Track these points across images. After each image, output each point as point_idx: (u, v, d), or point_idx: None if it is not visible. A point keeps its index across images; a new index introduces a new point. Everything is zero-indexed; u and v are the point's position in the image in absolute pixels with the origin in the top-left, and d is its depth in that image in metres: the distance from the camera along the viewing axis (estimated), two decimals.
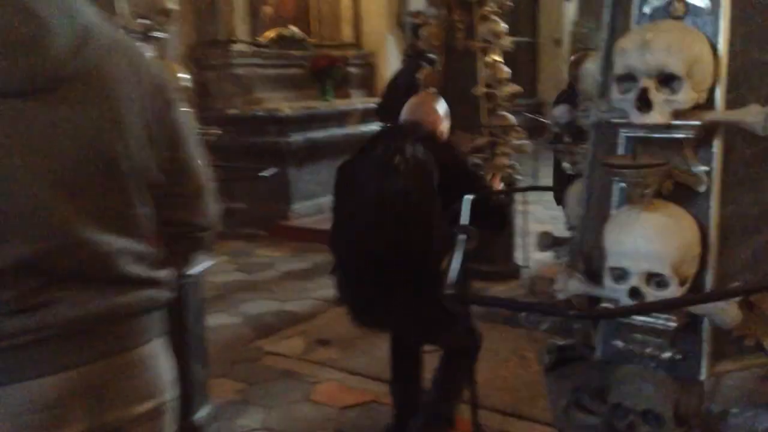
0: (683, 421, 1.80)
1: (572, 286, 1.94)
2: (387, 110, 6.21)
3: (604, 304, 1.88)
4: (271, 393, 4.40)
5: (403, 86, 5.98)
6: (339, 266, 3.29)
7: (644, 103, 1.72)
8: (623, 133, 1.89)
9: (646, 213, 1.74)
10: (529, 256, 6.70)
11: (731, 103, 1.81)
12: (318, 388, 4.41)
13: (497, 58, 5.71)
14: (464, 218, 2.53)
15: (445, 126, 3.58)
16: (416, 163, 2.96)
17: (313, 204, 8.35)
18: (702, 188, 1.81)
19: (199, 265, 3.63)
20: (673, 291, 1.73)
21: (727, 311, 1.73)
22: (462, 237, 2.29)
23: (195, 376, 3.68)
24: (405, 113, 3.57)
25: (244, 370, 4.77)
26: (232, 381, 4.61)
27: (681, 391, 1.82)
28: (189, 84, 3.61)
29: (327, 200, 8.86)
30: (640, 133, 1.82)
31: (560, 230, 2.58)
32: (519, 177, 5.97)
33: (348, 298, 3.31)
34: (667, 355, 1.82)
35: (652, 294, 1.75)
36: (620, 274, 1.80)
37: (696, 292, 1.81)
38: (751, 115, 1.69)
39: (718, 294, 1.73)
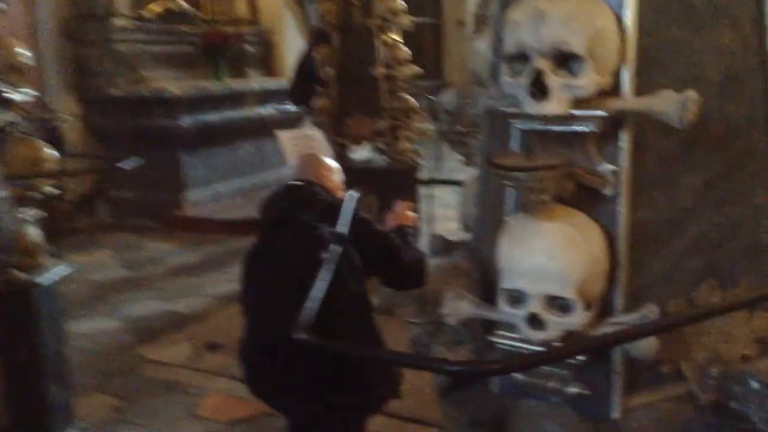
0: None
1: (463, 309, 1.62)
2: (299, 97, 5.85)
3: (503, 334, 1.57)
4: (150, 409, 3.95)
5: (309, 69, 5.61)
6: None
7: (539, 89, 1.40)
8: (516, 125, 1.57)
9: (545, 223, 1.43)
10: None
11: (641, 89, 1.52)
12: (204, 401, 3.99)
13: (396, 38, 5.38)
14: (342, 221, 2.17)
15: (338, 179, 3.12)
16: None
17: (209, 192, 7.83)
18: (609, 191, 1.52)
19: (52, 273, 3.16)
20: (579, 317, 1.44)
21: (649, 339, 1.45)
22: (333, 249, 1.93)
23: (52, 397, 3.21)
24: (296, 171, 3.04)
25: (122, 382, 4.28)
26: (107, 396, 4.13)
27: None
28: (28, 62, 3.07)
29: (224, 187, 8.48)
30: (536, 126, 1.51)
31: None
32: (422, 162, 5.69)
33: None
34: (573, 389, 1.53)
35: (554, 321, 1.45)
36: (516, 297, 1.49)
37: (604, 313, 1.52)
38: (664, 103, 1.39)
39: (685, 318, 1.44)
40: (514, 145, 1.60)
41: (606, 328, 1.48)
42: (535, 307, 1.43)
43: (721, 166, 1.67)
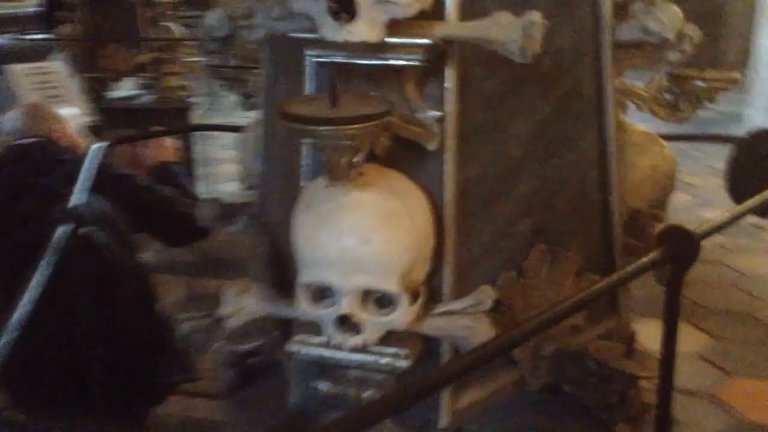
0: None
1: (248, 307, 1.21)
2: (44, 22, 4.87)
3: (304, 340, 1.17)
4: None
5: None
6: None
7: (342, 5, 0.99)
8: (310, 57, 1.15)
9: (356, 194, 1.05)
10: (216, 189, 5.90)
11: (465, 10, 1.18)
12: None
13: None
14: (80, 187, 1.62)
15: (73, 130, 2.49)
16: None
17: None
18: (433, 145, 1.17)
19: None
20: (404, 313, 1.09)
21: (478, 329, 1.15)
22: (63, 229, 1.40)
23: None
24: (21, 129, 2.35)
25: None
26: None
27: None
28: None
29: None
30: (338, 57, 1.10)
31: None
32: (194, 100, 5.06)
33: None
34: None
35: (371, 322, 1.09)
36: (321, 292, 1.10)
37: (433, 297, 1.19)
38: (503, 29, 1.06)
39: None
40: (310, 84, 1.19)
41: (438, 321, 1.15)
42: (346, 306, 1.06)
43: (549, 108, 1.40)
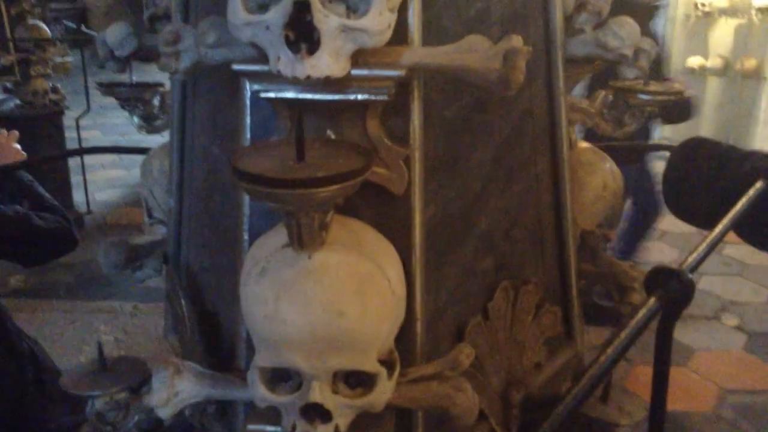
0: None
1: (184, 391, 1.00)
2: None
3: (253, 428, 0.98)
4: None
5: None
6: None
7: (301, 32, 0.81)
8: (254, 91, 0.95)
9: (324, 257, 0.87)
10: (92, 197, 5.44)
11: (428, 32, 1.02)
12: None
13: None
14: None
15: None
16: None
17: None
18: (401, 189, 1.01)
19: None
20: (382, 391, 0.93)
21: (459, 397, 1.00)
22: None
23: None
24: None
25: None
26: None
27: None
28: None
29: None
30: (290, 93, 0.91)
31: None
32: (65, 104, 4.60)
33: None
34: None
35: (345, 406, 0.92)
36: (284, 377, 0.92)
37: (402, 358, 1.03)
38: (481, 57, 0.91)
39: None
40: (251, 119, 0.99)
41: (414, 390, 1.00)
42: (317, 393, 0.88)
43: (507, 132, 1.28)
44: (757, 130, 5.80)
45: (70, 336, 3.69)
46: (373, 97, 0.91)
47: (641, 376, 2.98)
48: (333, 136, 0.93)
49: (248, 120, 1.01)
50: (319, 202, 0.76)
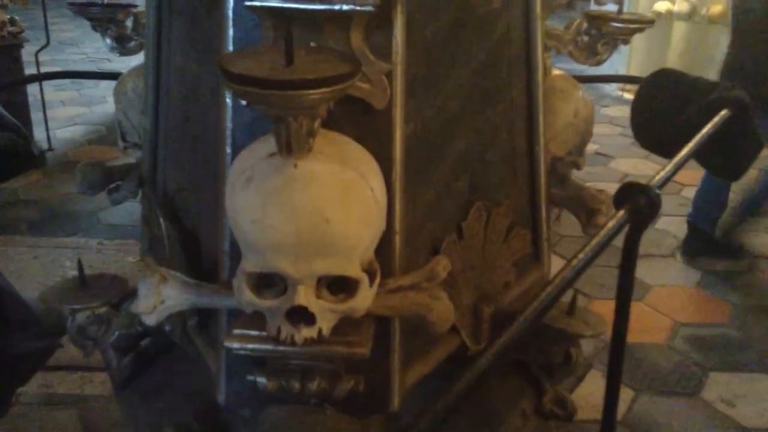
0: None
1: (170, 299, 1.02)
2: None
3: (238, 331, 1.01)
4: None
5: None
6: None
7: None
8: (242, 2, 0.94)
9: (309, 165, 0.89)
10: (53, 135, 5.32)
11: None
12: None
13: None
14: None
15: None
16: None
17: None
18: (383, 103, 1.03)
19: None
20: (364, 297, 0.96)
21: (436, 306, 1.04)
22: None
23: None
24: None
25: None
26: None
27: None
28: None
29: None
30: (274, 2, 0.91)
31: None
32: (22, 34, 4.44)
33: None
34: (344, 387, 1.08)
35: (328, 310, 0.95)
36: (269, 281, 0.95)
37: (386, 268, 1.06)
38: None
39: None
40: (234, 31, 0.99)
41: (392, 299, 1.04)
42: (302, 296, 0.91)
43: (484, 56, 1.30)
44: None
45: (35, 271, 3.66)
46: (358, 8, 0.92)
47: (600, 308, 3.10)
48: None
49: (231, 32, 1.01)
50: (309, 104, 0.78)
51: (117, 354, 1.50)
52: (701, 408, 2.77)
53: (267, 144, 0.94)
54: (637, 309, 3.38)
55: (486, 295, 1.37)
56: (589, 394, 2.69)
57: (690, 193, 4.71)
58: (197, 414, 1.29)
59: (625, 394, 2.79)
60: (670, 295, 3.55)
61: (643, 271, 3.69)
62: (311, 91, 0.75)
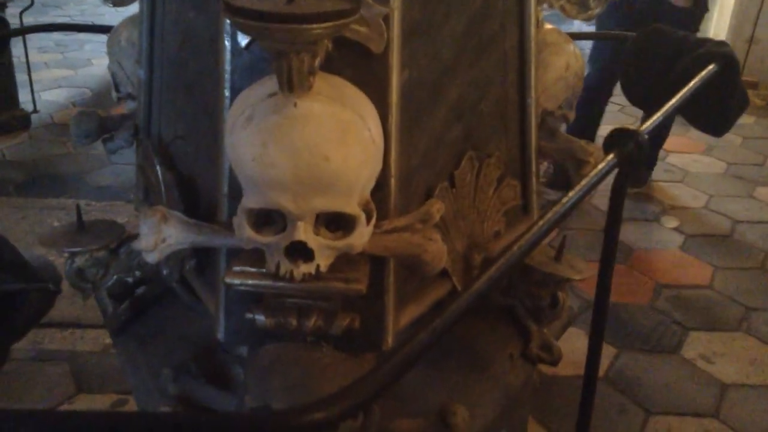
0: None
1: (171, 236, 1.04)
2: None
3: (238, 268, 1.04)
4: None
5: None
6: None
7: None
8: None
9: (309, 105, 0.91)
10: (38, 97, 5.27)
11: None
12: None
13: None
14: None
15: None
16: None
17: None
18: (380, 47, 1.05)
19: None
20: (361, 234, 0.99)
21: (429, 246, 1.07)
22: None
23: None
24: None
25: None
26: None
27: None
28: None
29: None
30: None
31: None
32: None
33: None
34: (341, 324, 1.11)
35: (326, 247, 0.98)
36: (269, 214, 0.97)
37: (381, 211, 1.09)
38: None
39: None
40: None
41: (387, 239, 1.07)
42: (301, 232, 0.94)
43: (479, 4, 1.31)
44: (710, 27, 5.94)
45: (23, 230, 3.67)
46: None
47: None
48: None
49: None
50: (310, 38, 0.80)
51: (113, 301, 1.53)
52: (681, 365, 2.85)
53: (267, 85, 0.96)
54: (620, 271, 3.46)
55: (477, 244, 1.40)
56: (570, 351, 2.77)
57: (676, 159, 4.78)
58: (194, 356, 1.33)
59: (607, 352, 2.86)
60: (653, 258, 3.63)
61: (627, 234, 3.76)
62: (313, 25, 0.77)
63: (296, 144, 0.90)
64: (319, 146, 0.90)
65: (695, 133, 4.59)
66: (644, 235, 3.84)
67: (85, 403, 2.57)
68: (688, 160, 4.79)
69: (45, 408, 2.54)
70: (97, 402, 2.57)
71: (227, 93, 1.09)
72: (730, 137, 5.14)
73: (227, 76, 1.09)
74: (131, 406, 2.48)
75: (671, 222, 3.99)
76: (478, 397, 1.37)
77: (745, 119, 5.44)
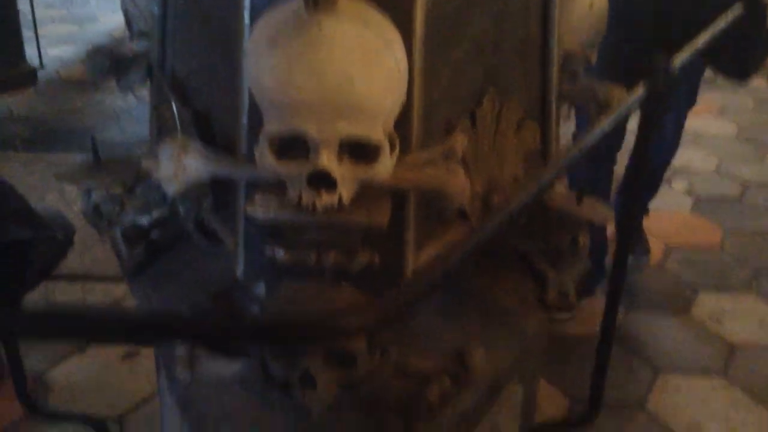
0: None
1: (190, 166, 1.02)
2: None
3: (260, 199, 1.02)
4: None
5: None
6: None
7: None
8: None
9: (333, 26, 0.88)
10: (45, 52, 5.22)
11: None
12: None
13: None
14: None
15: None
16: None
17: None
18: None
19: None
20: (385, 163, 0.97)
21: (452, 180, 1.05)
22: None
23: None
24: None
25: None
26: None
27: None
28: None
29: None
30: None
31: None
32: None
33: None
34: (361, 261, 1.10)
35: (348, 174, 0.96)
36: (291, 144, 0.95)
37: (403, 141, 1.07)
38: None
39: None
40: None
41: (409, 172, 1.05)
42: (324, 158, 0.92)
43: None
44: None
45: (32, 184, 3.65)
46: None
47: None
48: None
49: None
50: None
51: (127, 244, 1.51)
52: (690, 325, 2.85)
53: (288, 8, 0.93)
54: None
55: (496, 186, 1.38)
56: (579, 310, 2.77)
57: (688, 122, 4.72)
58: (212, 295, 1.32)
59: None
60: (664, 220, 3.60)
61: None
62: None
63: (322, 66, 0.87)
64: (345, 68, 0.88)
65: (708, 95, 4.53)
66: (655, 197, 3.81)
67: (94, 353, 2.58)
68: (700, 123, 4.73)
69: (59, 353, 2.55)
70: (109, 353, 2.58)
71: (246, 19, 1.06)
72: (743, 99, 5.08)
73: (247, 2, 1.06)
74: (142, 356, 2.49)
75: (682, 185, 3.96)
76: (493, 343, 1.36)
77: (758, 81, 5.36)
